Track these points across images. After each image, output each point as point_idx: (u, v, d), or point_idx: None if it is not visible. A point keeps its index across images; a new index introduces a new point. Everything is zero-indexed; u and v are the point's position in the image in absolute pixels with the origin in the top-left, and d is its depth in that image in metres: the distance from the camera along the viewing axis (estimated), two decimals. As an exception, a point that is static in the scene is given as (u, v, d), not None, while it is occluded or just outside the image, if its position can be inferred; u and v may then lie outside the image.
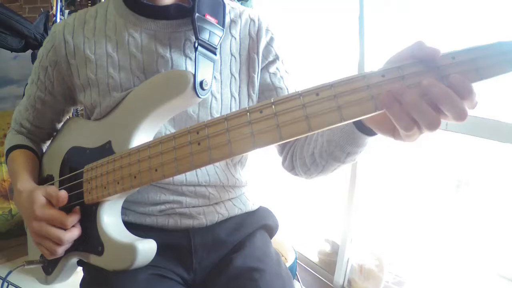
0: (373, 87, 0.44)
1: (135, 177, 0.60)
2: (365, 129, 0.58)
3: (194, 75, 0.63)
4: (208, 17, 0.71)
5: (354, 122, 0.59)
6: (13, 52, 1.83)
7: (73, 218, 0.67)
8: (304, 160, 0.74)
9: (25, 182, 0.76)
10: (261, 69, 0.80)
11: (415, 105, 0.41)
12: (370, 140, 0.61)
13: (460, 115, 0.40)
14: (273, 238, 0.90)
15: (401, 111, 0.42)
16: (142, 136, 0.67)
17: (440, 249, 1.65)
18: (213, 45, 0.70)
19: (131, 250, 0.63)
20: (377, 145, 0.63)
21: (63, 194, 0.67)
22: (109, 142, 0.69)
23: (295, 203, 2.28)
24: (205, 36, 0.70)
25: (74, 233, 0.67)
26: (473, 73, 0.41)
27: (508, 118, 1.10)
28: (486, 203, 1.61)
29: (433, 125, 0.42)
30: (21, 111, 0.88)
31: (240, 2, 2.00)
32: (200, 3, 0.71)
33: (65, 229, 0.66)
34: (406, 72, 0.43)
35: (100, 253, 0.67)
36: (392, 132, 0.50)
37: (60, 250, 0.68)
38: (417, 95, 0.42)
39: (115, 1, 0.78)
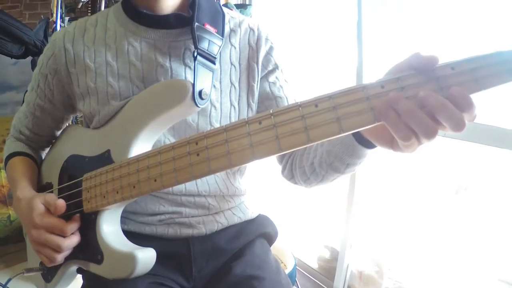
0: (372, 98, 0.43)
1: (134, 187, 0.60)
2: (364, 142, 0.58)
3: (193, 85, 0.63)
4: (208, 27, 0.72)
5: (353, 134, 0.58)
6: (12, 58, 1.83)
7: (73, 226, 0.67)
8: (303, 169, 0.75)
9: (24, 190, 0.76)
10: (261, 78, 0.80)
11: (411, 113, 0.41)
12: (369, 152, 0.61)
13: (458, 126, 0.40)
14: (272, 245, 0.90)
15: (399, 121, 0.42)
16: (141, 145, 0.67)
17: (440, 254, 1.65)
18: (212, 55, 0.70)
19: (130, 259, 0.63)
20: (376, 155, 0.63)
21: (61, 203, 0.67)
22: (108, 151, 0.69)
23: (294, 210, 2.28)
24: (204, 45, 0.70)
25: (73, 240, 0.67)
26: (473, 84, 0.41)
27: (506, 124, 1.11)
28: (485, 208, 1.61)
29: (429, 133, 0.41)
30: (21, 118, 0.88)
31: (239, 10, 2.01)
32: (200, 13, 0.72)
33: (64, 237, 0.66)
34: (405, 83, 0.43)
35: (99, 261, 0.66)
36: (391, 144, 0.50)
37: (60, 258, 0.67)
38: (413, 103, 0.41)
39: (115, 10, 0.78)
